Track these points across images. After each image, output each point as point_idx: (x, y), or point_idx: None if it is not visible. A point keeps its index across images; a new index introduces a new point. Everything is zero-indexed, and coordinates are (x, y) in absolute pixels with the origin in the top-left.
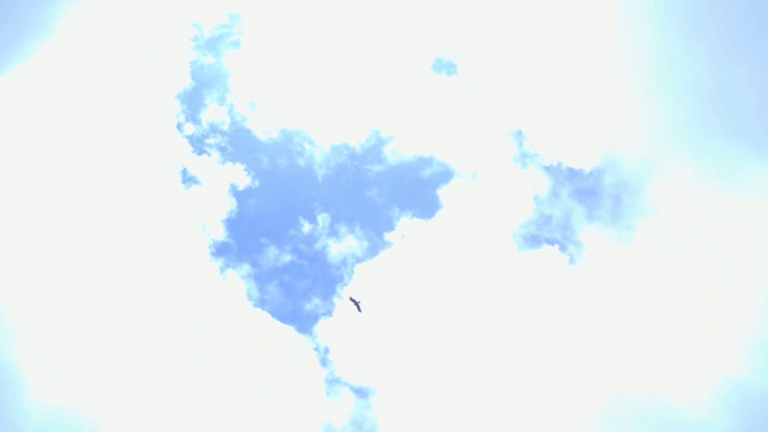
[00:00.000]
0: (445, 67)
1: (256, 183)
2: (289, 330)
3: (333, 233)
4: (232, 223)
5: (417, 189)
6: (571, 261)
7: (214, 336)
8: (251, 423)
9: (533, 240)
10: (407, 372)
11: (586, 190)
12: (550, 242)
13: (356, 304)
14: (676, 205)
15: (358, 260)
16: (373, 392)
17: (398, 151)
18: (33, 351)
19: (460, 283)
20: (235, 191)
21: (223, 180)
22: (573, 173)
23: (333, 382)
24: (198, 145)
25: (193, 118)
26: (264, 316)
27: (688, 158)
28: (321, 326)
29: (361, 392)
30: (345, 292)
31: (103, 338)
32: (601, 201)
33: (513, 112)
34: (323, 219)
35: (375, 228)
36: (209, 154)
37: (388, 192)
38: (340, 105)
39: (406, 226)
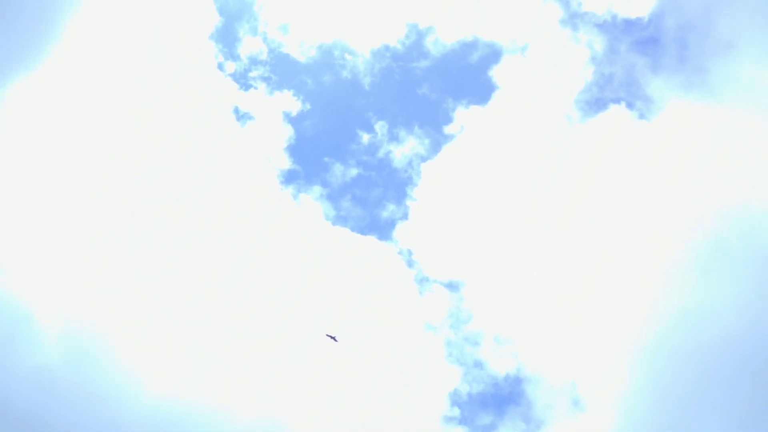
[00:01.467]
0: None
1: (308, 105)
2: (371, 240)
3: (393, 138)
4: (293, 149)
5: (468, 75)
6: (642, 116)
7: (302, 261)
8: (357, 335)
9: (597, 103)
10: (491, 259)
11: (647, 39)
12: (616, 101)
13: (332, 338)
14: (752, 36)
15: (423, 159)
16: (462, 284)
17: (440, 41)
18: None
19: (530, 162)
20: (289, 118)
21: (275, 110)
22: (629, 24)
23: (423, 281)
24: (242, 81)
25: (231, 55)
26: (344, 232)
27: None
28: (399, 230)
29: (451, 286)
30: (324, 330)
31: (198, 289)
32: (665, 48)
33: None
34: (380, 126)
35: (433, 124)
36: (256, 88)
37: (439, 85)
38: (371, 6)
39: (464, 116)
